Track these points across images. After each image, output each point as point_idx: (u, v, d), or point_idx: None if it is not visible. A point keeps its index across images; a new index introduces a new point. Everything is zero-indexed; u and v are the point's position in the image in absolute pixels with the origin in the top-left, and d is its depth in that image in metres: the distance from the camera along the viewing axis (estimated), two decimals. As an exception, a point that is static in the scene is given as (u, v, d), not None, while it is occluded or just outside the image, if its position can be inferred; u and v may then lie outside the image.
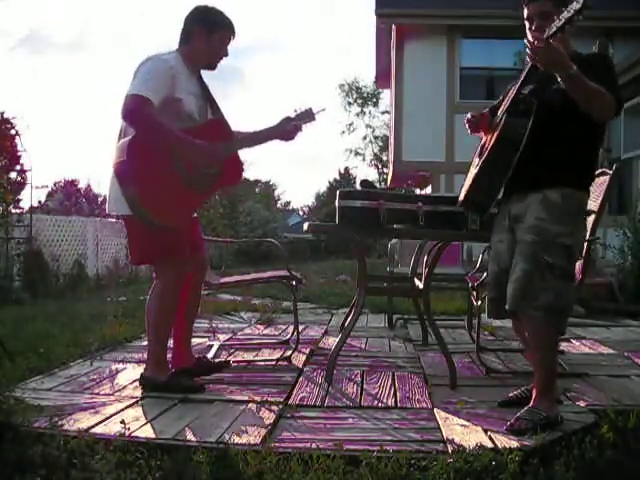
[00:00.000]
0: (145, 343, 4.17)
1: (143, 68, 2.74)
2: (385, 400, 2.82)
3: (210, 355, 3.69)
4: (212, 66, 2.97)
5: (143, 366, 3.15)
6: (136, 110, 2.62)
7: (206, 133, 2.85)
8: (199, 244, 3.14)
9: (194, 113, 2.87)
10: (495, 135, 2.54)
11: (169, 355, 3.06)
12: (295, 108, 3.04)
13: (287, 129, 3.02)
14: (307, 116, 3.03)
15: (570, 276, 2.45)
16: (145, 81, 2.67)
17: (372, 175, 33.25)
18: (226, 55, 2.96)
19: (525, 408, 2.43)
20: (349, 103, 33.00)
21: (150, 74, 2.71)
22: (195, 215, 3.13)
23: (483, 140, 2.71)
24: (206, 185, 2.86)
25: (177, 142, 2.71)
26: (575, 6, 2.14)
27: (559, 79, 2.31)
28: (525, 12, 2.51)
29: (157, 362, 2.92)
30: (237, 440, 2.21)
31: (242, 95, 72.03)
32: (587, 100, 2.32)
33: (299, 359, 3.65)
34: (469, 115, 2.78)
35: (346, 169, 39.99)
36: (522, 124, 2.45)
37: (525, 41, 2.39)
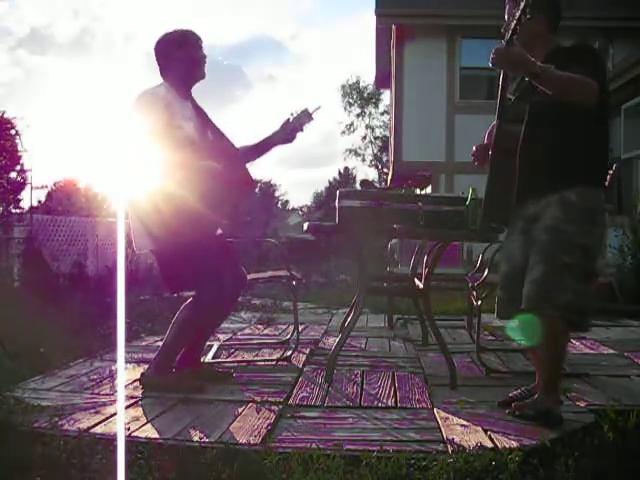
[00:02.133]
0: (145, 343, 4.19)
1: (139, 105, 2.85)
2: (385, 400, 2.82)
3: (210, 355, 3.70)
4: (201, 75, 3.04)
5: (143, 366, 3.15)
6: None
7: (212, 153, 2.91)
8: (233, 258, 3.15)
9: (194, 137, 2.93)
10: (491, 147, 2.56)
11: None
12: (291, 112, 3.10)
13: (287, 132, 3.07)
14: (305, 117, 3.08)
15: (589, 275, 2.42)
16: (148, 113, 2.78)
17: (372, 175, 33.26)
18: (205, 57, 3.03)
19: (529, 400, 2.44)
20: (349, 104, 33.02)
21: (148, 109, 2.81)
22: (220, 231, 3.15)
23: None
24: (216, 202, 2.88)
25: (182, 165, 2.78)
26: (521, 5, 2.18)
27: (527, 78, 2.33)
28: None
29: (163, 363, 2.94)
30: (237, 440, 2.21)
31: (243, 95, 72.04)
32: (562, 91, 2.31)
33: (299, 359, 3.65)
34: (474, 148, 2.81)
35: (346, 169, 39.99)
36: (514, 131, 2.45)
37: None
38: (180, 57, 2.95)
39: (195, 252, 2.81)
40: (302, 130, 3.09)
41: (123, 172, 2.91)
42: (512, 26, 2.25)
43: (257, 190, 34.70)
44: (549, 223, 2.40)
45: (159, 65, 3.01)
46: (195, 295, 2.96)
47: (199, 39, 3.03)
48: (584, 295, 2.39)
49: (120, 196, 2.99)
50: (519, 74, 2.41)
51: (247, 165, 3.08)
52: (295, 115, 3.08)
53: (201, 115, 3.04)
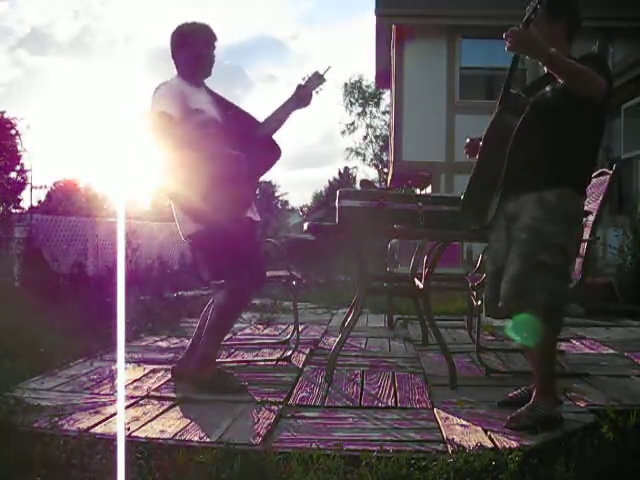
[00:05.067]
0: (145, 343, 4.19)
1: (156, 94, 2.91)
2: (385, 400, 2.82)
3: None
4: (207, 73, 3.10)
5: (143, 366, 3.15)
6: (156, 125, 2.80)
7: (232, 127, 2.96)
8: (260, 255, 3.20)
9: (217, 118, 2.98)
10: (485, 134, 2.56)
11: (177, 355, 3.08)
12: (303, 77, 3.13)
13: (302, 96, 3.09)
14: (316, 79, 3.12)
15: (566, 275, 2.46)
16: (159, 101, 2.86)
17: (372, 175, 33.22)
18: (213, 56, 3.07)
19: (525, 406, 2.43)
20: (351, 103, 32.98)
21: (163, 95, 2.88)
22: (259, 219, 3.17)
23: None
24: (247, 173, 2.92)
25: (197, 155, 2.79)
26: None
27: (540, 63, 2.34)
28: None
29: (207, 361, 2.97)
30: (237, 440, 2.20)
31: (244, 95, 72.02)
32: (572, 77, 2.32)
33: (299, 359, 3.65)
34: (467, 140, 2.82)
35: (346, 169, 39.97)
36: (511, 122, 2.45)
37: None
38: (184, 54, 3.00)
39: (229, 238, 2.84)
40: (316, 92, 3.13)
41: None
42: (532, 7, 2.26)
43: (257, 191, 34.69)
44: (528, 222, 2.42)
45: (172, 58, 3.07)
46: (227, 285, 2.98)
47: (208, 36, 3.05)
48: (560, 295, 2.42)
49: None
50: (533, 56, 2.40)
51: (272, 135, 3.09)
52: (307, 79, 3.12)
53: (219, 99, 3.10)
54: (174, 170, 2.81)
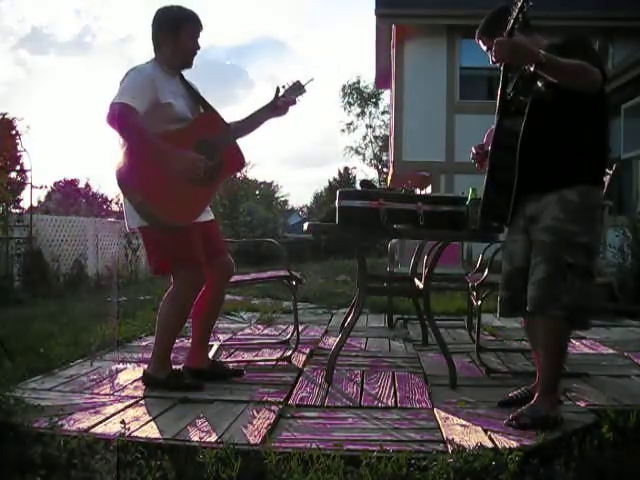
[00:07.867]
0: (145, 343, 4.19)
1: (125, 80, 2.81)
2: (385, 400, 2.82)
3: (210, 355, 3.69)
4: (188, 64, 2.98)
5: (143, 366, 3.15)
6: (120, 117, 2.68)
7: (199, 129, 2.90)
8: (220, 247, 3.15)
9: (186, 113, 2.91)
10: (491, 143, 2.55)
11: (177, 355, 3.08)
12: (283, 84, 3.08)
13: (278, 105, 3.04)
14: (297, 89, 3.07)
15: (590, 273, 2.42)
16: (126, 91, 2.75)
17: (372, 175, 33.28)
18: (198, 48, 2.96)
19: (526, 405, 2.44)
20: (349, 104, 33.03)
21: (131, 84, 2.78)
22: (212, 217, 3.13)
23: None
24: (207, 178, 2.86)
25: (157, 153, 2.75)
26: None
27: (532, 68, 2.32)
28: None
29: (159, 360, 2.95)
30: (237, 440, 2.21)
31: (246, 94, 72.07)
32: (568, 77, 2.30)
33: (299, 359, 3.65)
34: (473, 150, 2.82)
35: (346, 169, 39.98)
36: (514, 125, 2.45)
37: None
38: (170, 42, 2.87)
39: (171, 236, 2.82)
40: (295, 103, 3.07)
41: (113, 162, 2.88)
42: (514, 15, 2.24)
43: (257, 191, 34.66)
44: (549, 223, 2.40)
45: (152, 39, 2.92)
46: (172, 283, 2.96)
47: (200, 27, 2.94)
48: (587, 293, 2.40)
49: (120, 196, 2.99)
50: (524, 64, 2.39)
51: (237, 140, 3.03)
52: (287, 88, 3.06)
53: (191, 92, 3.00)
54: (130, 163, 2.76)
